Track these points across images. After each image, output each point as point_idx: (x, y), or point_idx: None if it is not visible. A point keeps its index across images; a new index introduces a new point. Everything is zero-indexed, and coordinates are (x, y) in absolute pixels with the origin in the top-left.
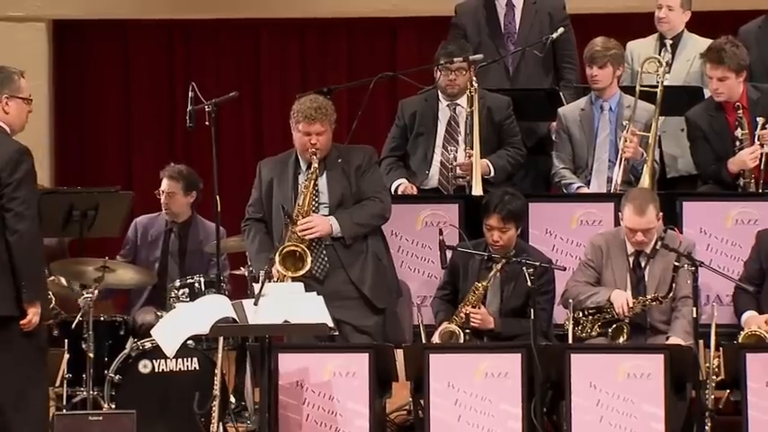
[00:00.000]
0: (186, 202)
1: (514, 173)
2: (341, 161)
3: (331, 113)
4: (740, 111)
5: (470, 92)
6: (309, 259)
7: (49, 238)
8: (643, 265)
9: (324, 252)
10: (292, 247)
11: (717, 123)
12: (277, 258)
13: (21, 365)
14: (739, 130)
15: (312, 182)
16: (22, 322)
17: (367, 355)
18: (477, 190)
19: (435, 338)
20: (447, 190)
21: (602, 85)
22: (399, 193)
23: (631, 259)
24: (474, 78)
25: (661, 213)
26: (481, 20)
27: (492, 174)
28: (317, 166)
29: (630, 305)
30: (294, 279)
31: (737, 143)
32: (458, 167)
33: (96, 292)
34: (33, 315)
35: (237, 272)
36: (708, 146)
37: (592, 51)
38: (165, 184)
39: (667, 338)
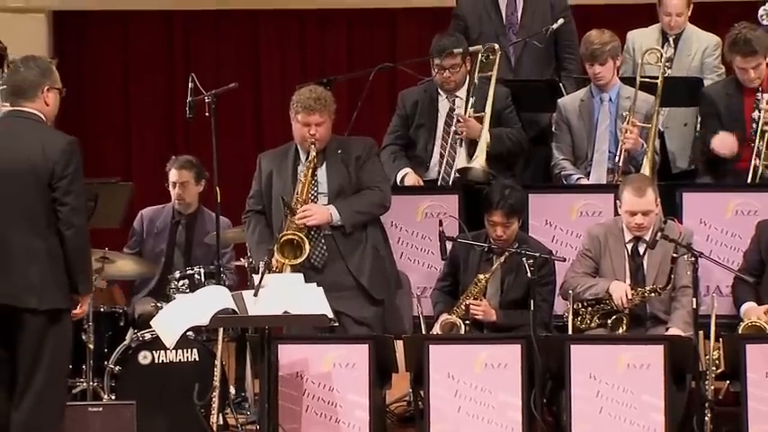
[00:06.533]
0: (197, 192)
1: (515, 151)
2: (340, 152)
3: (330, 104)
4: (760, 93)
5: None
6: (307, 247)
7: None
8: (641, 252)
9: (323, 241)
10: (290, 236)
11: (733, 104)
12: (275, 246)
13: (67, 355)
14: (756, 112)
15: (310, 170)
16: (75, 312)
17: (367, 346)
18: (480, 160)
19: (436, 329)
20: (446, 181)
21: (606, 80)
22: (406, 183)
23: (629, 246)
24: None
25: (660, 201)
26: (483, 11)
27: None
28: (314, 155)
29: (629, 297)
30: (292, 267)
31: (753, 125)
32: (458, 118)
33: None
34: (86, 306)
35: (237, 263)
36: (717, 123)
37: (591, 49)
38: (176, 174)
39: (667, 329)
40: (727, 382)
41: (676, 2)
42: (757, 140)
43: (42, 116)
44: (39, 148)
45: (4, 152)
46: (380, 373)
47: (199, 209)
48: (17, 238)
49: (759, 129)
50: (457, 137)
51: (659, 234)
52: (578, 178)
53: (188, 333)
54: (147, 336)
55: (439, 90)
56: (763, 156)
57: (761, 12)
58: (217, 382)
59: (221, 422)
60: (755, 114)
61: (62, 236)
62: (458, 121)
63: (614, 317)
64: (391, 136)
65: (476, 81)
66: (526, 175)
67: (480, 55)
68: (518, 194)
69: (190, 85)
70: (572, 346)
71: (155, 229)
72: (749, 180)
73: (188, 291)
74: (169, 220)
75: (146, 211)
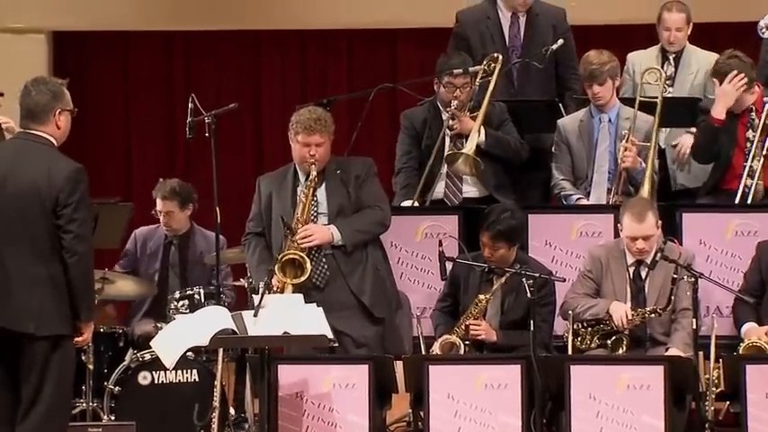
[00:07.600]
0: (185, 217)
1: (514, 159)
2: (340, 172)
3: (330, 125)
4: (753, 113)
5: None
6: (309, 266)
7: None
8: (643, 275)
9: (324, 260)
10: (292, 255)
11: (728, 123)
12: (277, 266)
13: (70, 381)
14: (750, 131)
15: (311, 190)
16: (77, 339)
17: (367, 366)
18: (469, 148)
19: (436, 350)
20: (452, 202)
21: (605, 100)
22: None
23: (631, 269)
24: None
25: (660, 222)
26: (485, 31)
27: (483, 139)
28: (314, 175)
29: (629, 317)
30: (294, 286)
31: (747, 144)
32: (452, 114)
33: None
34: (89, 333)
35: (237, 283)
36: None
37: (590, 70)
38: (159, 204)
39: (667, 350)
40: (728, 402)
41: (676, 17)
42: (750, 160)
43: (53, 140)
44: (44, 173)
45: (9, 176)
46: (380, 393)
47: (191, 229)
48: (19, 264)
49: (753, 148)
50: (450, 132)
51: (659, 255)
52: (578, 198)
53: (188, 353)
54: (147, 356)
55: (441, 108)
56: (757, 175)
57: (761, 24)
58: (216, 403)
59: None
60: (750, 134)
61: (65, 263)
62: (452, 117)
63: (614, 337)
64: (404, 158)
65: (476, 86)
66: (527, 195)
67: (483, 63)
68: (512, 222)
69: (190, 105)
70: (572, 367)
71: (148, 250)
72: (738, 200)
73: (187, 311)
74: (162, 240)
75: (139, 232)
